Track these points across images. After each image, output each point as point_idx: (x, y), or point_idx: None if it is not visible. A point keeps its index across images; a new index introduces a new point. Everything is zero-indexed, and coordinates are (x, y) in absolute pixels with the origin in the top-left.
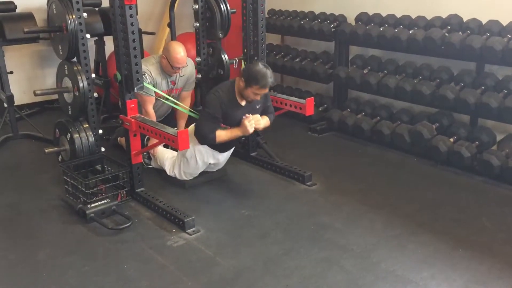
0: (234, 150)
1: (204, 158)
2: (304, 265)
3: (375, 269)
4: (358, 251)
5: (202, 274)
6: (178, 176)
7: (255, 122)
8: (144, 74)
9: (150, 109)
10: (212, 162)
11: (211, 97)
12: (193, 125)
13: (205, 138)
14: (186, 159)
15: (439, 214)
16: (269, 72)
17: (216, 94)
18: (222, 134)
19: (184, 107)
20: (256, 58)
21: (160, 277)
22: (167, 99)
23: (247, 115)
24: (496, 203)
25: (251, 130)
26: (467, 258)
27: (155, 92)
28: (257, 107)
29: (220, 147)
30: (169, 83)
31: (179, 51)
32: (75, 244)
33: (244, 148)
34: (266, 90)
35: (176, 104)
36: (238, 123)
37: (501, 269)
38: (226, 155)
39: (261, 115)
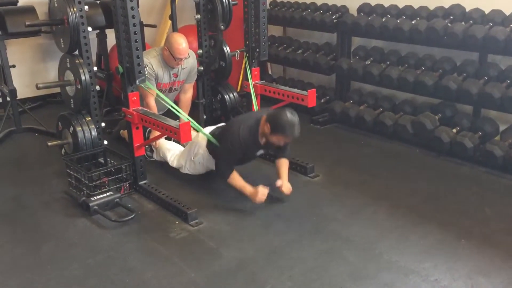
0: None
1: (209, 165)
2: (306, 256)
3: (378, 260)
4: (360, 242)
5: (205, 266)
6: (179, 169)
7: (284, 189)
8: (146, 67)
9: (152, 101)
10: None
11: (233, 133)
12: (205, 138)
13: (220, 173)
14: (194, 163)
15: (441, 205)
16: (296, 122)
17: (239, 131)
18: (235, 181)
19: (183, 114)
20: (258, 50)
21: (164, 268)
22: (171, 103)
23: (264, 188)
24: (499, 194)
25: (258, 202)
26: (469, 249)
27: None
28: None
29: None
30: (171, 76)
31: (181, 42)
32: (79, 237)
33: None
34: (291, 139)
35: (176, 109)
36: (253, 158)
37: (503, 259)
38: None
39: (275, 153)
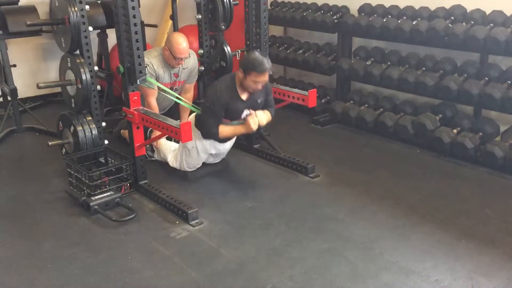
0: (237, 142)
1: (206, 148)
2: (307, 256)
3: (378, 260)
4: (361, 242)
5: (205, 265)
6: (180, 168)
7: (259, 119)
8: (146, 67)
9: (153, 101)
10: (213, 152)
11: (211, 91)
12: (193, 114)
13: (208, 133)
14: (188, 150)
15: (442, 205)
16: (265, 59)
17: (216, 88)
18: (225, 130)
19: (186, 102)
20: (258, 49)
21: (164, 268)
22: (170, 92)
23: (251, 111)
24: (499, 194)
25: (255, 127)
26: (470, 249)
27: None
28: (259, 101)
29: (222, 138)
30: (172, 76)
31: (181, 41)
32: (79, 236)
33: (247, 140)
34: (266, 77)
35: (178, 99)
36: (239, 117)
37: (504, 259)
38: (228, 145)
39: (262, 109)
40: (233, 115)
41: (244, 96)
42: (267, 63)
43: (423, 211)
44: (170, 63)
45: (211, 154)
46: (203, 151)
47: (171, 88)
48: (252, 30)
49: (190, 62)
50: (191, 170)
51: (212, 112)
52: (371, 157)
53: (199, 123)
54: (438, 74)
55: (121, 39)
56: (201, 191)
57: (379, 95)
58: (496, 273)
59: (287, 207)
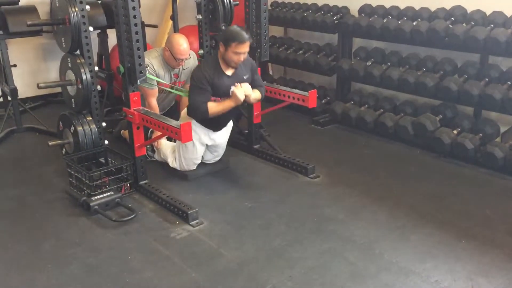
0: (237, 142)
1: (200, 138)
2: (307, 256)
3: (378, 260)
4: (361, 242)
5: (206, 265)
6: (180, 168)
7: (245, 90)
8: (147, 67)
9: (153, 102)
10: (209, 143)
11: (195, 70)
12: (186, 108)
13: (197, 110)
14: (185, 146)
15: (442, 206)
16: (243, 29)
17: (199, 66)
18: (213, 106)
19: (181, 89)
20: (258, 50)
21: (164, 268)
22: (171, 88)
23: (236, 84)
24: (499, 195)
25: (242, 97)
26: (470, 250)
27: (159, 83)
28: (245, 77)
29: (213, 125)
30: (172, 76)
31: (182, 42)
32: (80, 236)
33: (247, 140)
34: (246, 47)
35: (173, 88)
36: (226, 94)
37: (504, 260)
38: (222, 135)
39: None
40: (221, 91)
41: (229, 72)
42: (246, 33)
43: (423, 212)
44: (171, 64)
45: (208, 147)
46: (198, 140)
47: (171, 89)
48: (252, 30)
49: (190, 63)
50: (191, 169)
51: (199, 89)
52: (371, 157)
53: (188, 104)
54: (438, 75)
55: (122, 39)
56: (201, 191)
57: (379, 96)
58: (496, 273)
59: (287, 208)
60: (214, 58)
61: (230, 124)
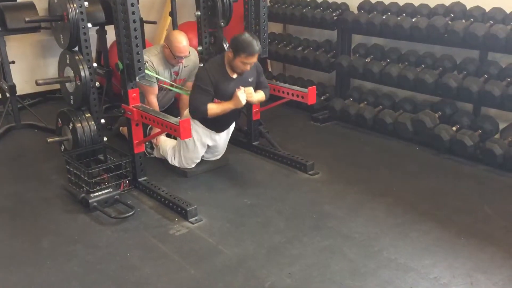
0: (236, 139)
1: (202, 138)
2: (306, 253)
3: (377, 257)
4: (360, 239)
5: (205, 262)
6: (179, 165)
7: (248, 94)
8: (145, 64)
9: (153, 100)
10: (210, 143)
11: (200, 70)
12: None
13: (196, 110)
14: (185, 143)
15: (441, 203)
16: (255, 40)
17: (205, 67)
18: (214, 107)
19: (182, 87)
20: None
21: (163, 265)
22: (171, 86)
23: (240, 87)
24: (498, 192)
25: (243, 101)
26: (469, 246)
27: (159, 81)
28: (250, 80)
29: (216, 126)
30: (172, 74)
31: (181, 40)
32: (78, 233)
33: (247, 137)
34: (254, 59)
35: (180, 89)
36: (231, 97)
37: (503, 257)
38: (224, 136)
39: (255, 90)
40: (224, 95)
41: (234, 75)
42: (257, 45)
43: (422, 209)
44: (170, 62)
45: (208, 147)
46: (199, 142)
47: (171, 87)
48: (251, 27)
49: (191, 60)
50: (191, 166)
51: (201, 90)
52: (371, 154)
53: (189, 103)
54: (437, 72)
55: (120, 35)
56: (200, 188)
57: (378, 93)
58: (495, 270)
59: (287, 205)
60: (220, 60)
61: (233, 126)
